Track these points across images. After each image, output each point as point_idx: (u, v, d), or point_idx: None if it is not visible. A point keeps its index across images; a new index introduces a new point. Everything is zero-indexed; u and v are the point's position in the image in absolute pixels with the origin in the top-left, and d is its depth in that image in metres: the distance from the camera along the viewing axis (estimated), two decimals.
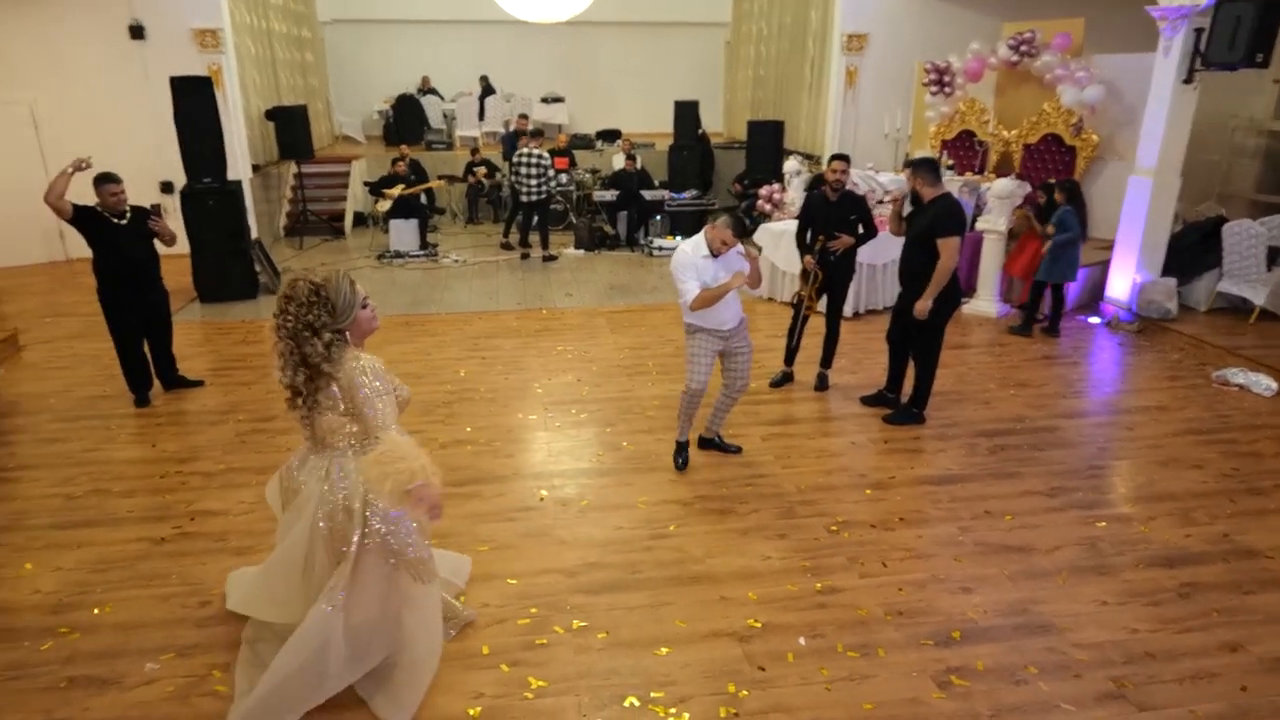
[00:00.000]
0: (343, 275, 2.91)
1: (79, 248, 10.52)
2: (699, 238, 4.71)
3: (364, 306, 2.95)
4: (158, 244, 5.95)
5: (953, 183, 8.95)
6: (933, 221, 5.26)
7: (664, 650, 3.50)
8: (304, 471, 3.10)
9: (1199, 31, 7.18)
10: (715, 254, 4.66)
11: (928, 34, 11.36)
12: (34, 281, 9.82)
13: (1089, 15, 9.76)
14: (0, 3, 9.87)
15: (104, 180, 5.65)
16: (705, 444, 5.37)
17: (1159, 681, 3.34)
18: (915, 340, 5.66)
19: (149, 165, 10.09)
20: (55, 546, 4.31)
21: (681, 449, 5.17)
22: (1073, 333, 7.83)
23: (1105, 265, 8.47)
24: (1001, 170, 10.01)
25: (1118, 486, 4.99)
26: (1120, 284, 8.14)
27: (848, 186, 6.06)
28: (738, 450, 5.33)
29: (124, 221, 5.74)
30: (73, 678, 3.36)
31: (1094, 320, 8.17)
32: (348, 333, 2.92)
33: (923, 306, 5.32)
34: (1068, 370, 6.89)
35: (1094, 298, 8.55)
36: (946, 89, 10.48)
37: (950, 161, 10.01)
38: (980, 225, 8.33)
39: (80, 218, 5.64)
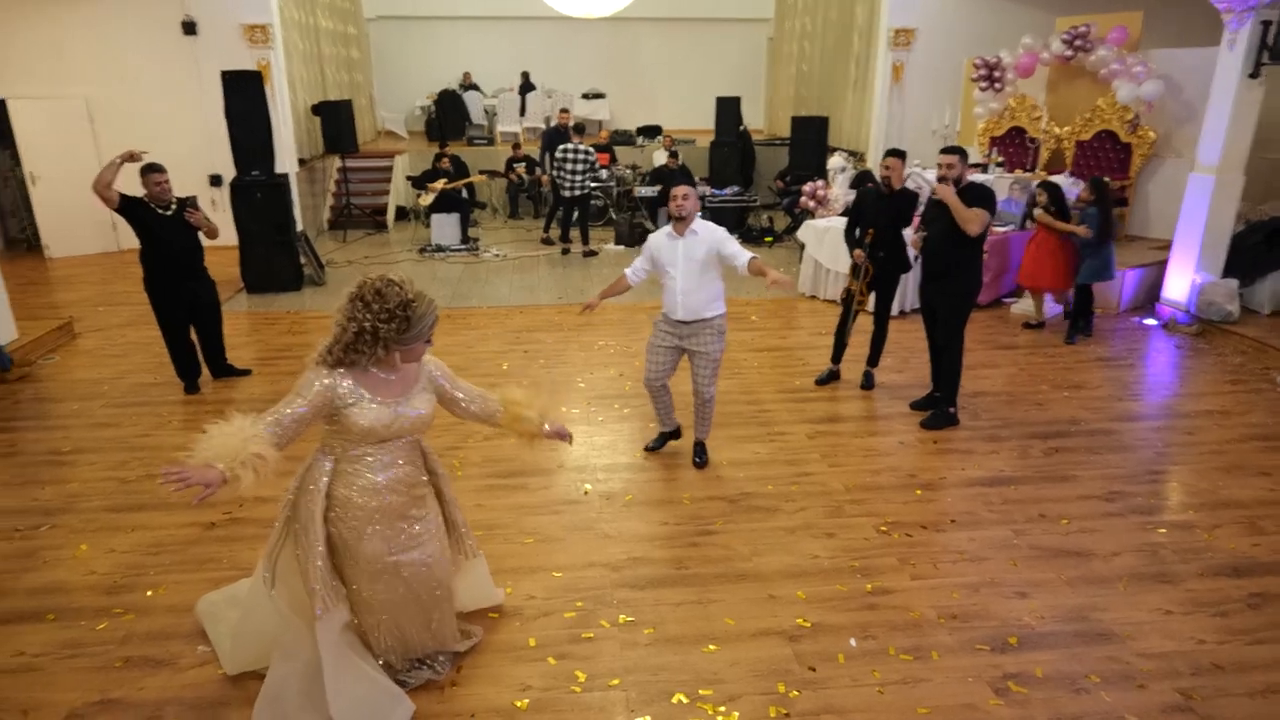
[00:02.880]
0: (432, 303, 2.82)
1: (131, 239, 10.72)
2: (666, 223, 4.71)
3: (427, 341, 2.88)
4: (203, 235, 6.03)
5: (1002, 180, 8.79)
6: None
7: (712, 647, 3.44)
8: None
9: (1266, 24, 6.94)
10: (676, 227, 4.62)
11: (977, 29, 11.17)
12: (89, 271, 10.03)
13: (1146, 8, 9.51)
14: (59, 0, 10.10)
15: (149, 170, 5.73)
16: (661, 442, 5.28)
17: (1229, 695, 3.21)
18: (939, 333, 5.57)
19: (199, 158, 10.26)
20: (109, 529, 4.38)
21: (660, 437, 5.25)
22: (1127, 334, 7.62)
23: (1161, 266, 8.25)
24: (1053, 168, 9.80)
25: (1179, 492, 4.83)
26: (1178, 285, 7.91)
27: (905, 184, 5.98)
28: (699, 465, 5.05)
29: (169, 212, 5.82)
30: (128, 657, 3.40)
31: (1150, 322, 7.95)
32: (396, 352, 2.84)
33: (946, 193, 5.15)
34: (1123, 373, 6.70)
35: (1149, 299, 8.32)
36: (996, 85, 10.28)
37: (1000, 159, 9.82)
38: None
39: (126, 207, 5.73)
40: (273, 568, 3.01)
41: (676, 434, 5.29)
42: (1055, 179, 8.62)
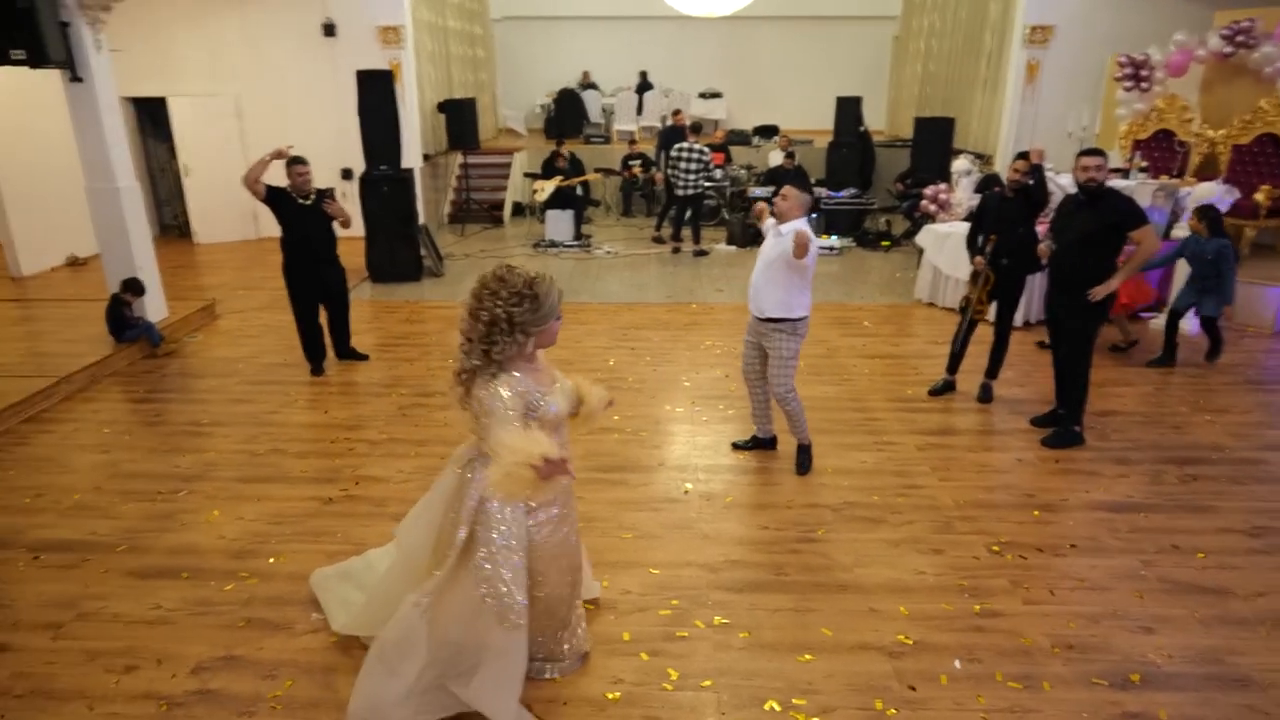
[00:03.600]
0: (553, 280, 2.81)
1: (269, 228, 11.41)
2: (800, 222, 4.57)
3: (558, 318, 2.84)
4: (337, 225, 6.32)
5: (1146, 186, 8.24)
6: (1119, 217, 4.86)
7: (807, 657, 3.37)
8: (460, 456, 3.00)
9: None
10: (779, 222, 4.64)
11: (1123, 24, 10.52)
12: (230, 258, 10.72)
13: None
14: (213, 5, 10.84)
15: (293, 162, 6.08)
16: (751, 444, 5.26)
17: None
18: (1064, 348, 5.25)
19: (332, 152, 10.78)
20: (239, 498, 4.66)
21: (752, 439, 5.24)
22: None
23: None
24: (1204, 174, 9.12)
25: None
26: None
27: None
28: (802, 471, 4.94)
29: (308, 202, 6.15)
30: (250, 618, 3.62)
31: None
32: (533, 338, 2.79)
33: (1108, 288, 4.91)
34: (1276, 398, 6.16)
35: None
36: (1143, 84, 9.67)
37: (1144, 163, 9.21)
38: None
39: (271, 198, 6.09)
40: (434, 592, 2.91)
41: (770, 443, 5.21)
42: (1206, 185, 8.04)
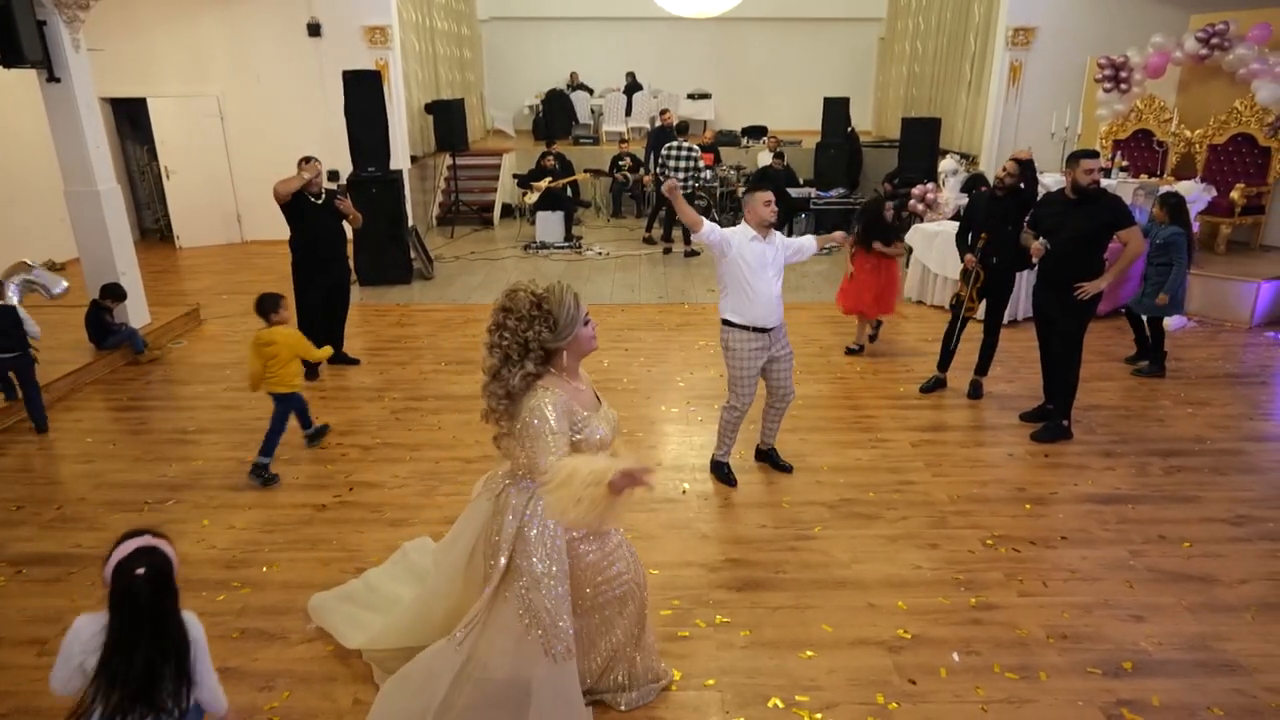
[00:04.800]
0: (566, 287, 2.62)
1: (253, 231, 11.42)
2: (744, 225, 4.47)
3: (585, 323, 2.66)
4: (346, 224, 6.40)
5: (1126, 185, 8.37)
6: (1109, 216, 4.96)
7: (809, 654, 3.40)
8: (491, 481, 2.87)
9: None
10: (761, 233, 4.43)
11: (1103, 27, 10.65)
12: (214, 262, 10.63)
13: None
14: (194, 4, 10.75)
15: (307, 161, 6.16)
16: (761, 456, 5.07)
17: None
18: (1056, 343, 5.33)
19: (319, 154, 10.49)
20: (229, 506, 4.63)
21: (721, 468, 4.87)
22: (1259, 350, 7.15)
23: None
24: (1182, 173, 9.26)
25: None
26: None
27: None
28: (789, 469, 4.96)
29: (319, 201, 6.23)
30: (244, 629, 3.59)
31: None
32: (564, 352, 2.63)
33: (1097, 286, 5.00)
34: (1254, 390, 6.28)
35: None
36: (1122, 85, 9.79)
37: (1124, 163, 9.34)
38: None
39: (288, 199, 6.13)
40: (472, 626, 2.75)
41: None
42: (1184, 184, 8.16)
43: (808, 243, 4.68)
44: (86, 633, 2.12)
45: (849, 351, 7.07)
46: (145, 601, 2.08)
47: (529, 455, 2.56)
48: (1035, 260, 5.30)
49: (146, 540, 2.14)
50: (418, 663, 2.85)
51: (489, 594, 2.71)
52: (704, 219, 4.42)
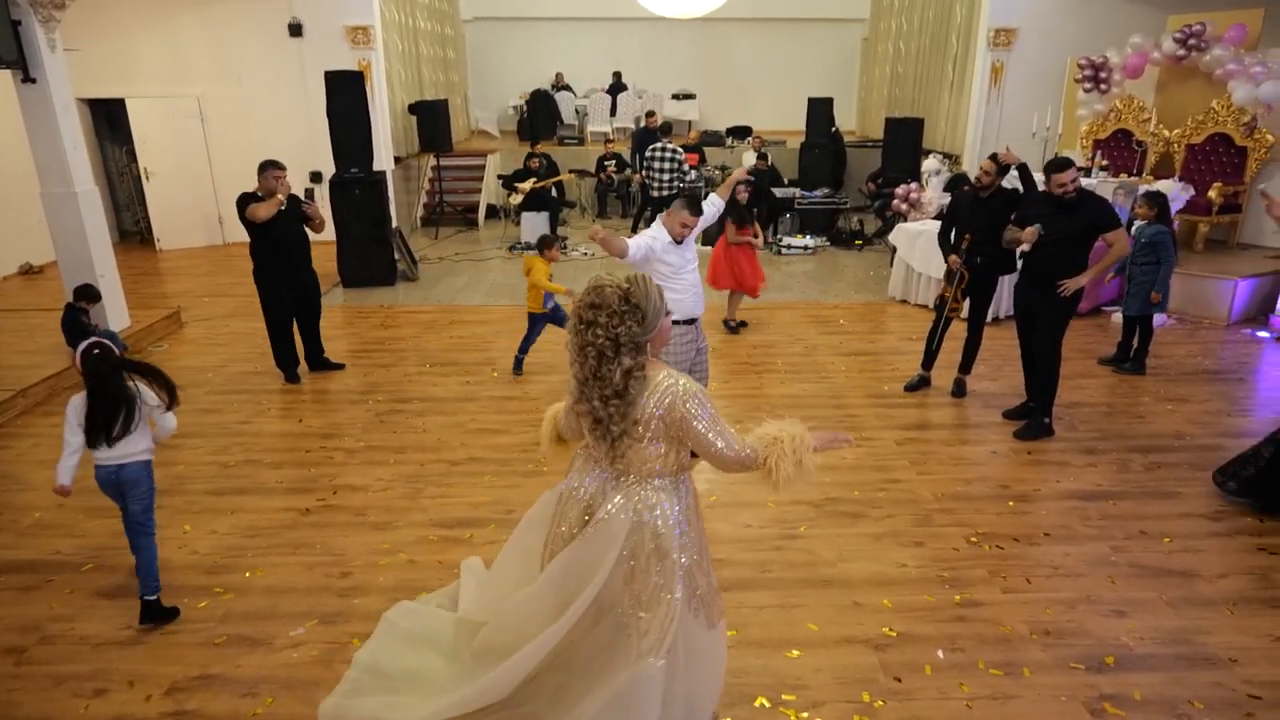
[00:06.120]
0: (646, 278, 2.48)
1: (235, 233, 11.30)
2: (658, 227, 4.74)
3: (667, 313, 2.51)
4: (309, 229, 6.25)
5: (1107, 184, 8.44)
6: (1096, 217, 5.02)
7: (795, 653, 3.41)
8: (604, 500, 2.57)
9: None
10: (678, 240, 4.69)
11: (1082, 28, 10.77)
12: (195, 264, 10.55)
13: (1267, 5, 9.00)
14: (174, 5, 10.66)
15: (269, 166, 5.96)
16: None
17: None
18: (1039, 341, 5.36)
19: (301, 155, 10.64)
20: (211, 511, 4.58)
21: None
22: (1237, 347, 7.23)
23: (1276, 276, 7.81)
24: (1160, 172, 9.36)
25: None
26: None
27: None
28: None
29: (283, 207, 6.04)
30: (227, 635, 3.55)
31: (1262, 334, 7.52)
32: (648, 345, 2.48)
33: (1078, 282, 5.06)
34: (1232, 387, 6.35)
35: (1263, 310, 7.88)
36: (1102, 86, 9.89)
37: (1104, 162, 9.43)
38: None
39: (246, 204, 5.93)
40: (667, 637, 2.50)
41: None
42: (1163, 183, 8.24)
43: (714, 207, 5.07)
44: (78, 403, 3.53)
45: (726, 325, 7.64)
46: (102, 370, 3.47)
47: (711, 454, 2.46)
48: (1028, 246, 5.24)
49: (95, 339, 3.58)
50: (633, 701, 2.51)
51: (676, 605, 2.51)
52: (627, 243, 4.59)
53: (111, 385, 3.47)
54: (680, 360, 4.71)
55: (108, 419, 3.47)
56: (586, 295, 2.44)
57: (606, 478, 2.59)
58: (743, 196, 7.21)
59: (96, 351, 3.48)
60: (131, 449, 3.56)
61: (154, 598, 3.64)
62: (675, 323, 4.55)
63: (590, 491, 2.61)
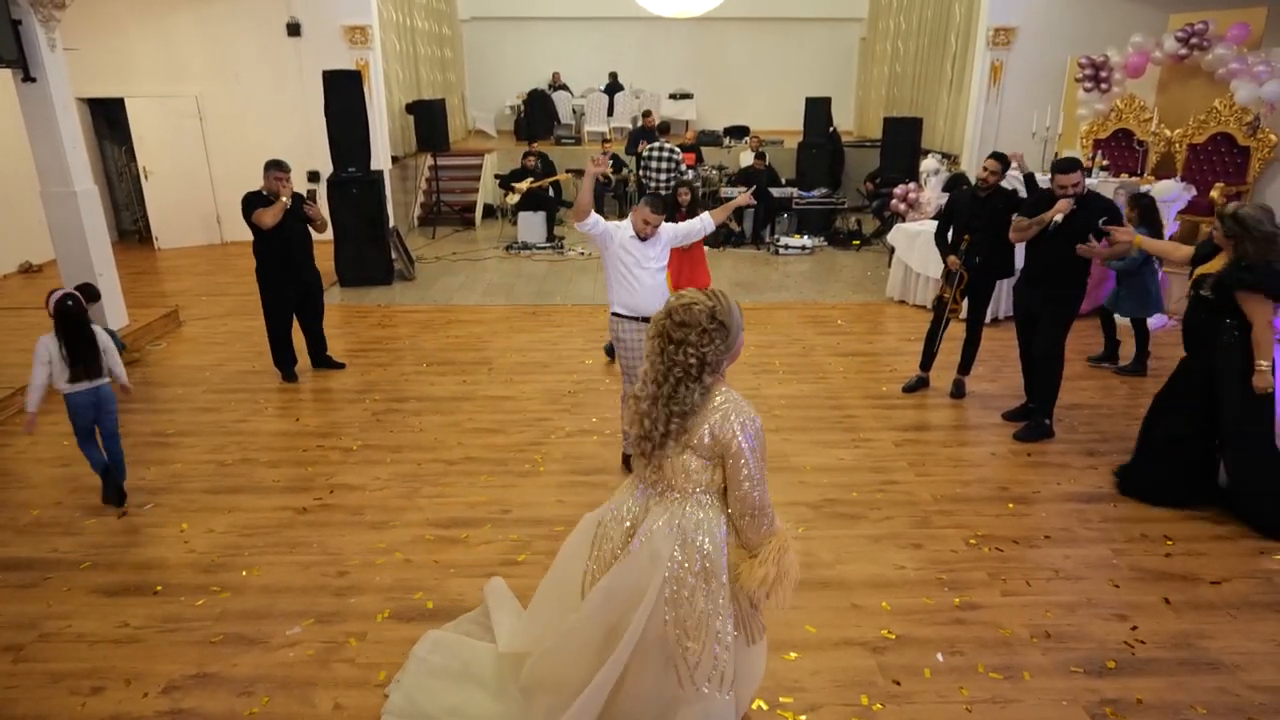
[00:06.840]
0: (723, 295, 2.41)
1: (233, 232, 11.30)
2: (628, 220, 4.75)
3: (741, 328, 2.46)
4: (312, 229, 6.25)
5: (1106, 185, 8.42)
6: (1101, 215, 4.98)
7: (792, 655, 3.38)
8: (647, 518, 2.50)
9: None
10: (642, 237, 4.68)
11: (1083, 27, 10.72)
12: (193, 263, 10.52)
13: (1270, 4, 8.97)
14: (172, 4, 10.63)
15: (273, 166, 5.99)
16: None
17: None
18: (1039, 342, 5.33)
19: (299, 154, 10.56)
20: (208, 510, 4.57)
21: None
22: None
23: None
24: (1162, 172, 9.33)
25: None
26: None
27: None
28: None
29: (287, 207, 6.04)
30: (223, 634, 3.54)
31: None
32: (724, 361, 2.42)
33: (1087, 249, 4.95)
34: None
35: None
36: (1103, 85, 9.86)
37: (1105, 162, 9.40)
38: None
39: (251, 203, 5.96)
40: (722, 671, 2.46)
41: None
42: (1165, 183, 8.21)
43: (700, 224, 5.03)
44: (48, 340, 4.30)
45: None
46: (71, 316, 4.32)
47: (740, 481, 2.35)
48: (1060, 217, 5.01)
49: (67, 291, 4.39)
50: None
51: (729, 635, 2.47)
52: (594, 212, 4.62)
53: (84, 327, 4.36)
54: (638, 358, 4.66)
55: (85, 355, 4.32)
56: (674, 313, 2.34)
57: (651, 494, 2.52)
58: (684, 199, 7.11)
59: (70, 303, 4.33)
60: (103, 375, 4.48)
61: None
62: (629, 319, 4.76)
63: (634, 511, 2.55)
